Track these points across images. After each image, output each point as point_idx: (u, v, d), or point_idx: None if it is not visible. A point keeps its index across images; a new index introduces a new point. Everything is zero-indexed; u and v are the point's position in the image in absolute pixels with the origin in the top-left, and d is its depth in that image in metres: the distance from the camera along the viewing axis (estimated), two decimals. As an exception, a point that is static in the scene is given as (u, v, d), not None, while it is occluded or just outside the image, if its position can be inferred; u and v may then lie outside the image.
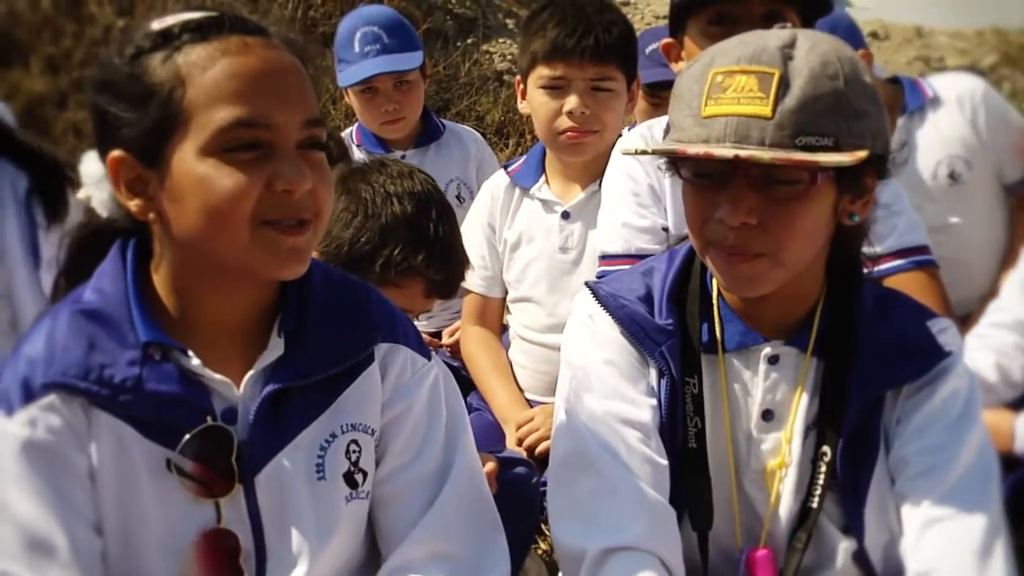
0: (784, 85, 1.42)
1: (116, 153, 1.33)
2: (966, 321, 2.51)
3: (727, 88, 1.44)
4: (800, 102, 1.41)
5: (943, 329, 1.60)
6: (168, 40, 1.32)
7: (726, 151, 1.40)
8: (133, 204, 1.35)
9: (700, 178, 1.50)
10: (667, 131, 1.57)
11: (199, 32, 1.32)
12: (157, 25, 1.34)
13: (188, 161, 1.29)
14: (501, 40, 6.67)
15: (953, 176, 3.03)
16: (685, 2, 2.16)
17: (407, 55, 3.24)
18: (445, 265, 1.95)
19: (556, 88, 2.55)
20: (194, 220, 1.31)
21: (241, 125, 1.28)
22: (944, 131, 3.02)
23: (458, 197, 3.28)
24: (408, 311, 1.90)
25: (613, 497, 1.51)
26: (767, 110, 1.41)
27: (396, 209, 1.91)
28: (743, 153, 1.39)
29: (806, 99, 1.41)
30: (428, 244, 1.91)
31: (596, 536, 1.49)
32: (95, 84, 1.36)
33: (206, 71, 1.29)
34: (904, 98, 3.08)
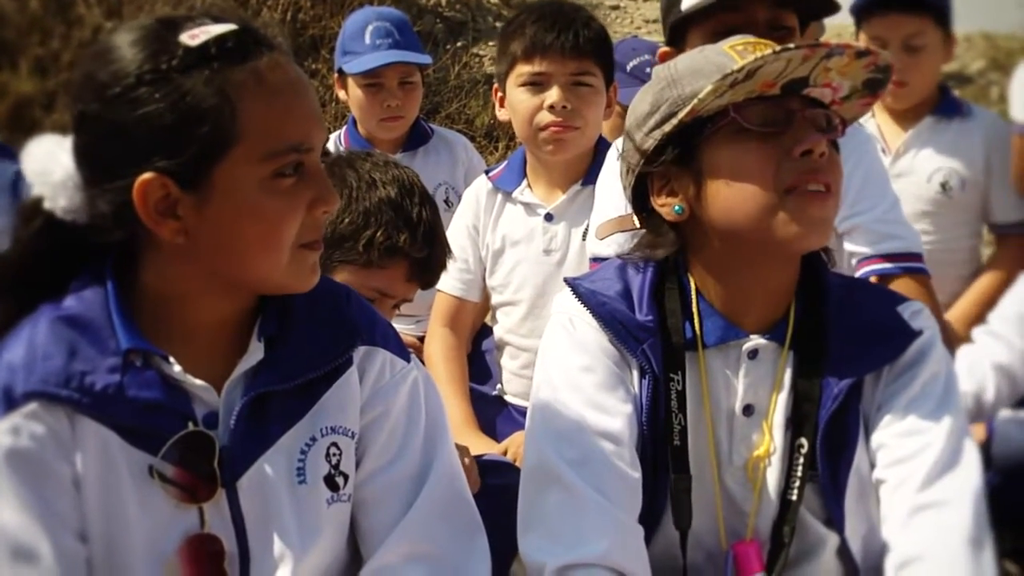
0: None
1: (148, 175, 1.27)
2: None
3: (754, 49, 1.51)
4: None
5: (916, 312, 1.61)
6: (205, 59, 1.28)
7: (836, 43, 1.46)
8: (167, 227, 1.31)
9: (763, 126, 1.51)
10: (660, 123, 1.56)
11: (237, 51, 1.29)
12: (188, 40, 1.28)
13: (239, 187, 1.30)
14: (491, 43, 6.67)
15: (944, 188, 3.11)
16: (686, 15, 2.15)
17: (417, 54, 3.37)
18: (427, 246, 2.00)
19: (537, 84, 2.56)
20: (238, 244, 1.32)
21: (293, 150, 1.31)
22: (957, 143, 3.11)
23: (446, 201, 3.30)
24: (390, 296, 2.00)
25: (578, 513, 1.51)
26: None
27: (380, 194, 1.99)
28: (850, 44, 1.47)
29: None
30: (410, 225, 1.98)
31: (558, 552, 1.49)
32: (103, 99, 1.29)
33: (255, 96, 1.29)
34: (940, 99, 3.17)
